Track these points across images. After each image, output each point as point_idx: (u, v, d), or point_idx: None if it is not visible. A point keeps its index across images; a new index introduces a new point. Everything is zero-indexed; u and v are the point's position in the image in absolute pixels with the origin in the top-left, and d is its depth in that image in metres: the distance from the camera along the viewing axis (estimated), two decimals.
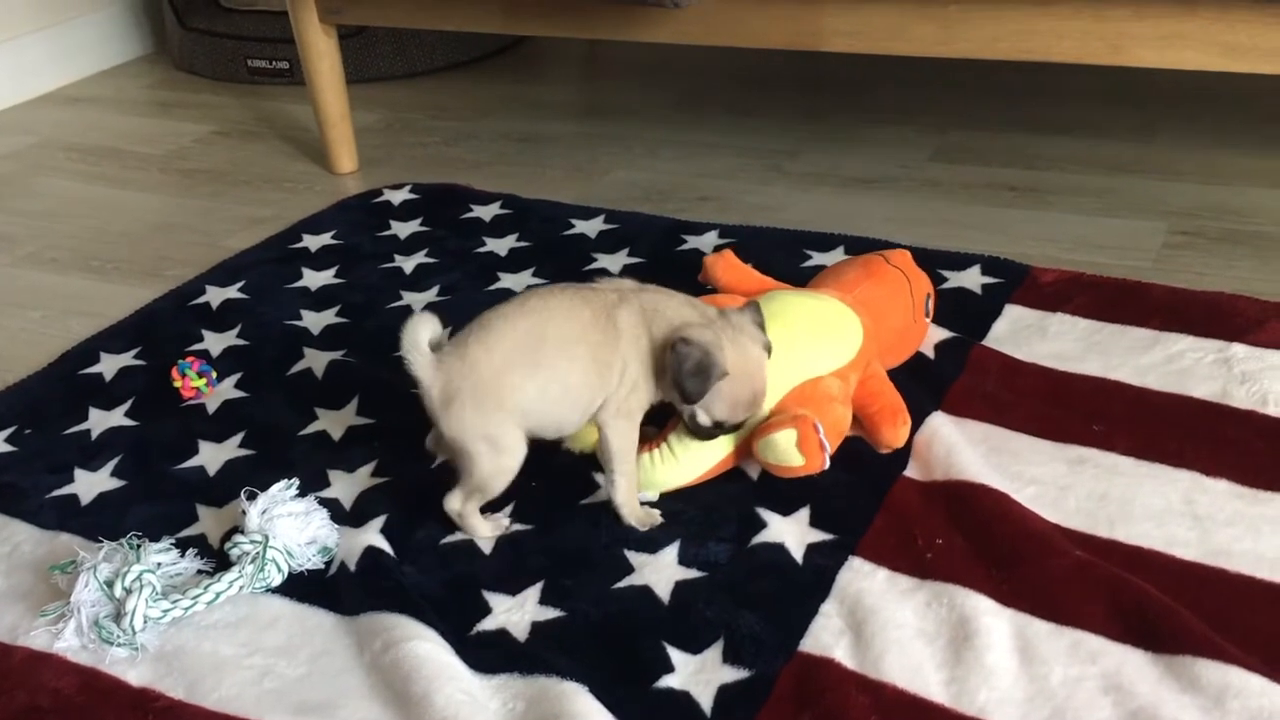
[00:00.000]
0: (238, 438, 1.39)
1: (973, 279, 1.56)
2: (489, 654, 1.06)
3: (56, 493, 1.32)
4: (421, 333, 1.15)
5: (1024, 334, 1.44)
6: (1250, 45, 1.52)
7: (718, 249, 1.45)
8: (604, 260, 1.70)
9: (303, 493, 1.22)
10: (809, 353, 1.25)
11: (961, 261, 1.60)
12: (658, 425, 1.24)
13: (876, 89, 2.28)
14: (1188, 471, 1.20)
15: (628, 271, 1.66)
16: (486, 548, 1.19)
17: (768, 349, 1.18)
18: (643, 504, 1.21)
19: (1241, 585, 1.07)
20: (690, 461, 1.21)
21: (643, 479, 1.21)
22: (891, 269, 1.38)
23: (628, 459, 1.19)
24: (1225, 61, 1.55)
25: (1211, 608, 1.04)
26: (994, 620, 1.04)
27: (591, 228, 1.80)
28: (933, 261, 1.49)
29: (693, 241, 1.73)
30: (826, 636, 1.05)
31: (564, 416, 1.18)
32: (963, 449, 1.23)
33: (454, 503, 1.19)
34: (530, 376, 1.15)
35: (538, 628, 1.09)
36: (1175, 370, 1.35)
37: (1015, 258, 1.60)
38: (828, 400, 1.22)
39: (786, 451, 1.17)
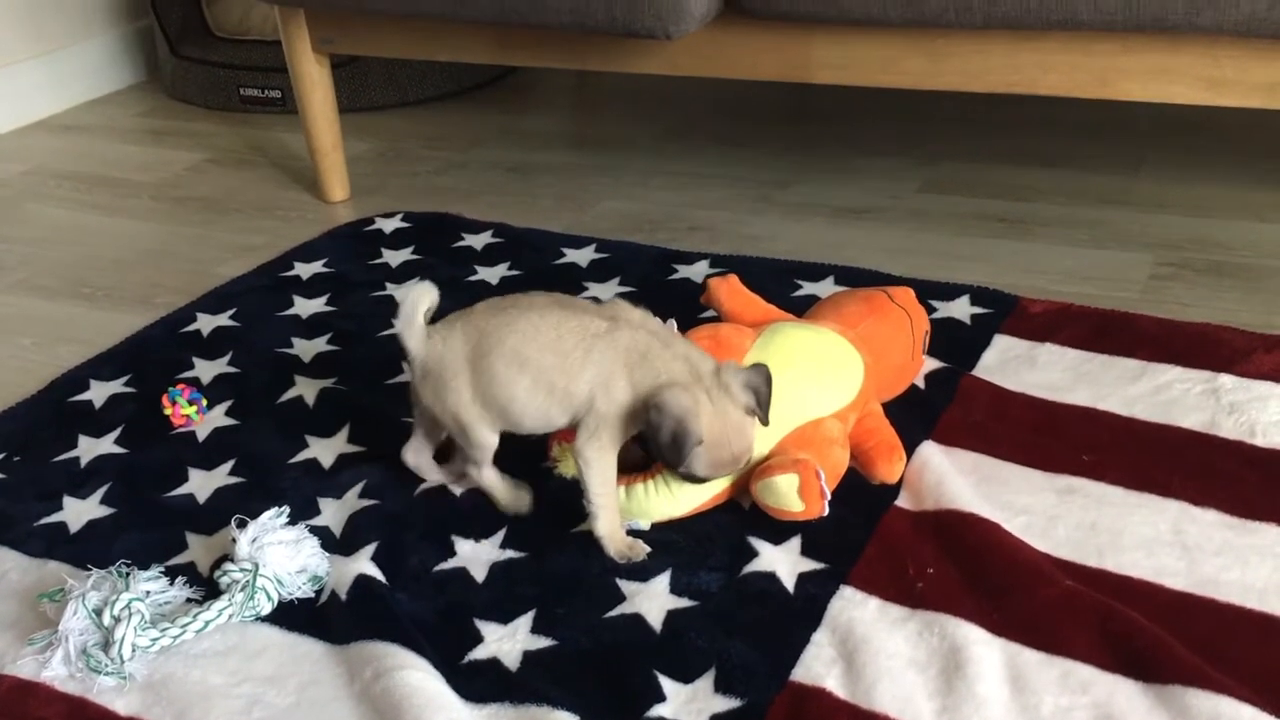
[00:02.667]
0: (228, 465, 1.38)
1: (962, 309, 1.57)
2: (480, 683, 1.06)
3: (45, 520, 1.31)
4: (419, 305, 1.21)
5: (1013, 364, 1.45)
6: (1236, 79, 1.54)
7: (708, 278, 1.45)
8: (595, 289, 1.71)
9: (293, 521, 1.22)
10: (812, 394, 1.25)
11: (951, 292, 1.61)
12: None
13: (867, 120, 2.30)
14: (1176, 501, 1.21)
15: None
16: (507, 504, 1.25)
17: (751, 412, 1.16)
18: (633, 533, 1.21)
19: (1230, 615, 1.07)
20: (685, 494, 1.21)
21: (635, 509, 1.21)
22: (895, 307, 1.38)
23: (604, 490, 1.18)
24: (1211, 95, 1.57)
25: (1201, 637, 1.04)
26: (985, 650, 1.04)
27: (582, 257, 1.81)
28: (922, 292, 1.50)
29: (683, 271, 1.73)
30: (818, 666, 1.05)
31: (518, 420, 1.21)
32: (953, 479, 1.23)
33: (464, 467, 1.26)
34: (480, 375, 1.19)
35: (529, 656, 1.09)
36: (1163, 401, 1.36)
37: (1004, 288, 1.61)
38: (828, 444, 1.22)
39: (787, 496, 1.17)
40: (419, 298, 1.21)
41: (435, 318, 1.24)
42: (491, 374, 1.18)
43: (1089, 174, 1.99)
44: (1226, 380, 1.38)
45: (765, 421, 1.17)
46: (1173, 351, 1.44)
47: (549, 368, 1.17)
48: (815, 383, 1.26)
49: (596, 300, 1.65)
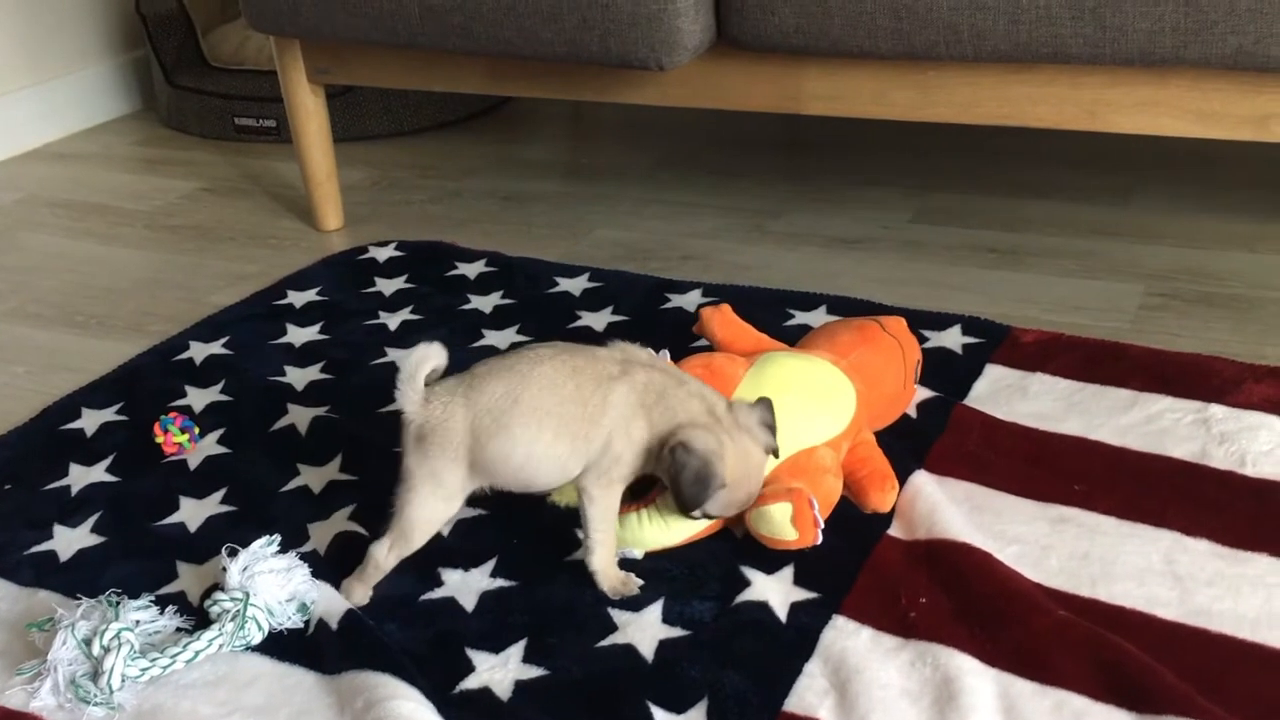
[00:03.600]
0: (219, 494, 1.38)
1: (954, 339, 1.58)
2: (471, 713, 1.06)
3: (35, 549, 1.31)
4: (422, 367, 1.15)
5: (1005, 393, 1.45)
6: (1224, 112, 1.56)
7: (701, 308, 1.45)
8: (588, 318, 1.71)
9: (284, 549, 1.22)
10: (805, 422, 1.25)
11: (943, 321, 1.62)
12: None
13: (859, 151, 2.32)
14: (1168, 531, 1.21)
15: (613, 330, 1.67)
16: (359, 600, 1.18)
17: (772, 451, 1.17)
18: (625, 562, 1.21)
19: (1222, 645, 1.07)
20: (678, 525, 1.21)
21: (629, 537, 1.21)
22: (887, 336, 1.39)
23: (606, 526, 1.17)
24: (1199, 128, 1.58)
25: (1193, 667, 1.04)
26: (978, 680, 1.04)
27: (576, 286, 1.81)
28: (914, 321, 1.50)
29: (676, 300, 1.74)
30: (811, 696, 1.05)
31: (530, 479, 1.18)
32: (945, 508, 1.23)
33: (380, 549, 1.18)
34: (494, 437, 1.14)
35: (521, 686, 1.08)
36: (1155, 430, 1.36)
37: (996, 318, 1.62)
38: (821, 472, 1.23)
39: (780, 525, 1.17)
40: (423, 357, 1.15)
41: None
42: (507, 436, 1.14)
43: (1080, 205, 2.00)
44: (1217, 410, 1.38)
45: (778, 456, 1.18)
46: (1164, 381, 1.44)
47: (572, 418, 1.14)
48: (808, 411, 1.26)
49: (591, 330, 1.66)
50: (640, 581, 1.18)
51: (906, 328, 1.43)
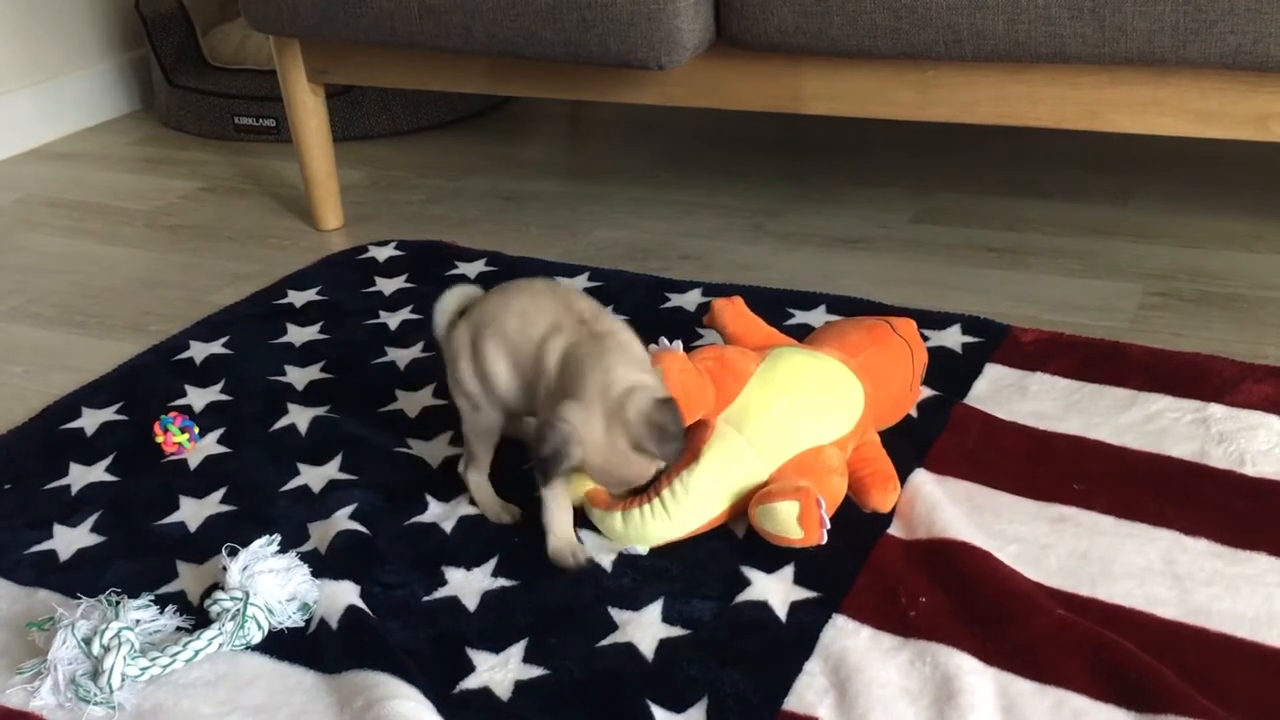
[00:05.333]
0: (219, 493, 1.38)
1: (953, 338, 1.58)
2: (471, 713, 1.06)
3: (35, 549, 1.31)
4: (452, 301, 1.31)
5: (1005, 393, 1.46)
6: (1222, 112, 1.56)
7: (713, 300, 1.44)
8: None
9: (284, 549, 1.22)
10: (813, 421, 1.25)
11: (942, 321, 1.62)
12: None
13: (859, 151, 2.32)
14: (1167, 530, 1.21)
15: None
16: (494, 517, 1.29)
17: (642, 447, 1.14)
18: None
19: (1221, 644, 1.07)
20: (682, 518, 1.21)
21: (633, 533, 1.21)
22: (897, 338, 1.38)
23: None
24: (1198, 127, 1.58)
25: (1192, 667, 1.04)
26: (977, 679, 1.04)
27: (576, 285, 1.81)
28: (914, 320, 1.50)
29: (676, 299, 1.74)
30: (810, 695, 1.05)
31: (507, 400, 1.26)
32: (945, 507, 1.24)
33: (461, 469, 1.32)
34: (478, 353, 1.25)
35: (521, 686, 1.08)
36: (1154, 430, 1.36)
37: (995, 317, 1.62)
38: (828, 471, 1.23)
39: (787, 523, 1.17)
40: (451, 297, 1.31)
41: (437, 346, 1.27)
42: (483, 354, 1.25)
43: (1079, 204, 2.01)
44: (1216, 410, 1.38)
45: (666, 459, 1.16)
46: (1163, 381, 1.44)
47: (523, 352, 1.22)
48: (817, 410, 1.26)
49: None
50: (589, 555, 1.21)
51: (916, 330, 1.43)
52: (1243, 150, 2.09)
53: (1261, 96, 1.54)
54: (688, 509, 1.21)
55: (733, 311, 1.41)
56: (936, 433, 1.38)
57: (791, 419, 1.22)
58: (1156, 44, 1.49)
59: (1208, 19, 1.46)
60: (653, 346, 1.28)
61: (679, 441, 1.15)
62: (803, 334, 1.46)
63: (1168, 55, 1.50)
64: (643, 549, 1.22)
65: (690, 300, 1.73)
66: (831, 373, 1.30)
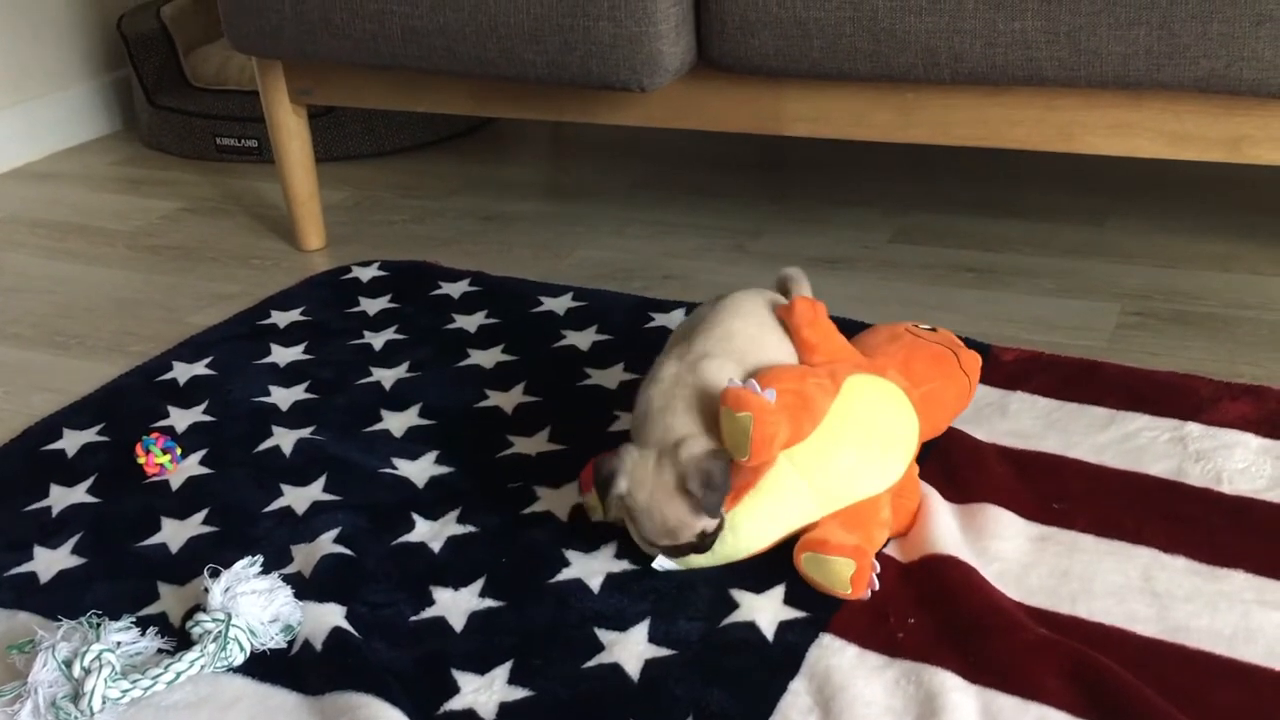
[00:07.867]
0: (201, 515, 1.38)
1: None
2: None
3: (15, 570, 1.30)
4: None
5: (985, 412, 1.47)
6: (1197, 134, 1.58)
7: (796, 299, 1.33)
8: (573, 338, 1.72)
9: (266, 570, 1.22)
10: (878, 471, 1.23)
11: None
12: None
13: (839, 171, 2.34)
14: (1146, 548, 1.22)
15: (597, 349, 1.67)
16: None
17: (688, 490, 1.14)
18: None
19: (1200, 661, 1.08)
20: (725, 554, 1.20)
21: (721, 551, 1.20)
22: (961, 375, 1.37)
23: None
24: (1173, 149, 1.60)
25: (1172, 683, 1.05)
26: (961, 696, 1.05)
27: (560, 305, 1.82)
28: (980, 355, 1.50)
29: (660, 319, 1.75)
30: (795, 714, 1.05)
31: None
32: (931, 527, 1.24)
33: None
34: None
35: (506, 708, 1.08)
36: (1132, 448, 1.37)
37: (974, 337, 1.63)
38: (880, 526, 1.22)
39: (838, 580, 1.16)
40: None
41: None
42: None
43: (1057, 225, 2.03)
44: (1193, 428, 1.40)
45: (707, 510, 1.15)
46: (1141, 400, 1.46)
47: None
48: (881, 460, 1.23)
49: (575, 350, 1.66)
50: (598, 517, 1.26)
51: (979, 367, 1.41)
52: (1217, 172, 2.12)
53: (1234, 119, 1.56)
54: (731, 547, 1.20)
55: (811, 317, 1.29)
56: (921, 453, 1.38)
57: (856, 470, 1.20)
58: (1131, 68, 1.51)
59: (1181, 43, 1.48)
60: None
61: (722, 494, 1.15)
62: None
63: (1142, 79, 1.52)
64: (673, 564, 1.21)
65: (674, 320, 1.74)
66: (899, 414, 1.27)
